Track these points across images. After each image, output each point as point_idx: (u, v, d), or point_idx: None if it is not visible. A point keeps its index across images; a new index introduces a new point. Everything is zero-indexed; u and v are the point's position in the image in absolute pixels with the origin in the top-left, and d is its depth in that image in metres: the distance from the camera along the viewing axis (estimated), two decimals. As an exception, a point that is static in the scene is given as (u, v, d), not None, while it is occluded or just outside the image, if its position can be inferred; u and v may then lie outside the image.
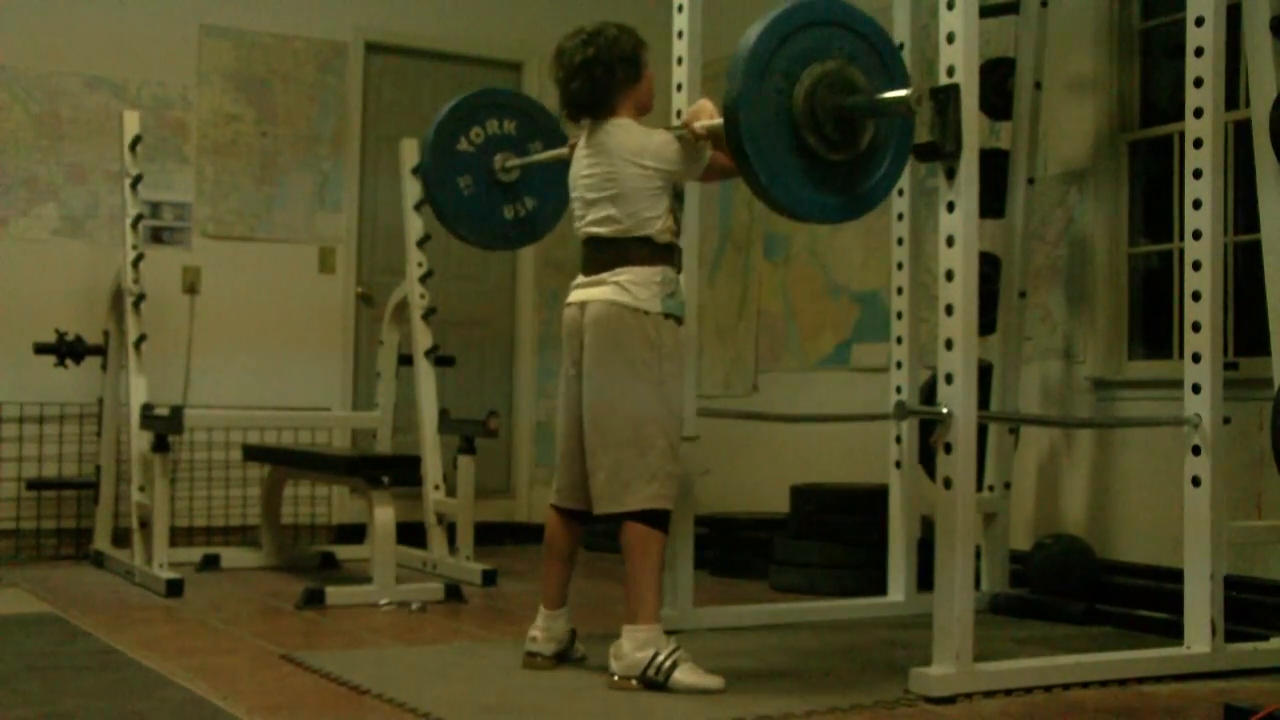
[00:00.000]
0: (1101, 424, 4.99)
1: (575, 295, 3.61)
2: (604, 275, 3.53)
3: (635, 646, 3.40)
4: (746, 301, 6.74)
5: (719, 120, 3.38)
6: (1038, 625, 4.49)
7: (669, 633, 3.49)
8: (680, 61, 4.23)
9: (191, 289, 6.34)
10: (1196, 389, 3.77)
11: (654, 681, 3.37)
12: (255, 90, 6.52)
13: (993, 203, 4.76)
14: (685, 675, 3.37)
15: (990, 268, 4.76)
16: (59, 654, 3.85)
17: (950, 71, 3.36)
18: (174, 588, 4.92)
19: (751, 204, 6.59)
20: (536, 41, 6.67)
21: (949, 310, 3.37)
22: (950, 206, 3.36)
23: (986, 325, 4.58)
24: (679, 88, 4.22)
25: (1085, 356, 5.07)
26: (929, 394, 4.50)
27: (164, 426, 5.12)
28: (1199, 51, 3.76)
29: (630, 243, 3.51)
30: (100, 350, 5.84)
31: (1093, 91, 5.10)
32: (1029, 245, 4.95)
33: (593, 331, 3.51)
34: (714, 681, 3.38)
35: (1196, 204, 3.77)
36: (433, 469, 5.64)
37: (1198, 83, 3.76)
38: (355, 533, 6.30)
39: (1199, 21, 3.77)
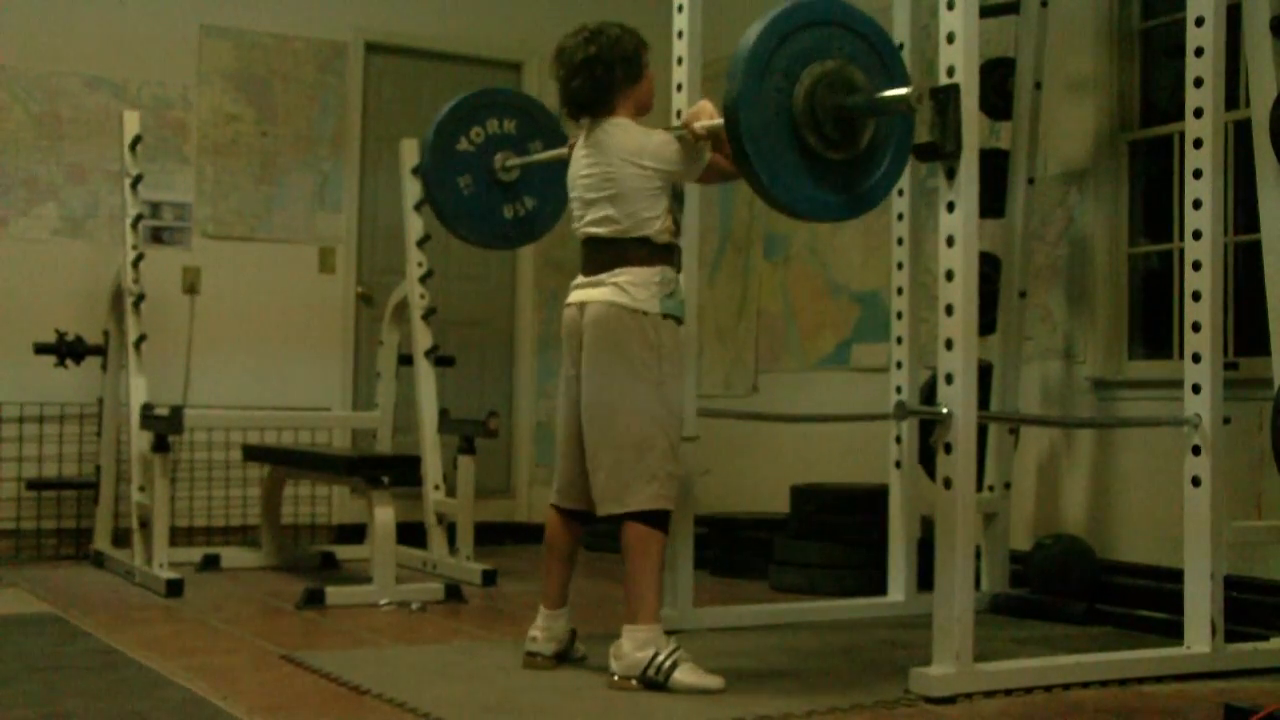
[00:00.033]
0: (1101, 424, 4.98)
1: (574, 296, 3.61)
2: (603, 276, 3.53)
3: (635, 646, 3.40)
4: (746, 301, 6.74)
5: (719, 120, 3.38)
6: (1038, 625, 4.49)
7: (669, 633, 3.49)
8: (680, 61, 4.23)
9: (191, 289, 6.34)
10: (1196, 389, 3.77)
11: (654, 681, 3.37)
12: (255, 90, 6.52)
13: (993, 203, 4.76)
14: (685, 675, 3.37)
15: (990, 268, 4.76)
16: (59, 654, 3.85)
17: (950, 71, 3.36)
18: (174, 588, 4.92)
19: (752, 204, 6.59)
20: (536, 41, 6.67)
21: (949, 310, 3.37)
22: (950, 206, 3.36)
23: (986, 325, 4.58)
24: (679, 88, 4.22)
25: (1085, 356, 5.07)
26: (929, 394, 4.50)
27: (164, 426, 5.12)
28: (1199, 51, 3.76)
29: (629, 243, 3.51)
30: (100, 350, 5.84)
31: (1093, 91, 5.10)
32: (1029, 245, 4.95)
33: (592, 332, 3.51)
34: (714, 681, 3.38)
35: (1196, 204, 3.77)
36: (433, 469, 5.64)
37: (1198, 83, 3.76)
38: (355, 533, 6.30)
39: (1199, 21, 3.77)
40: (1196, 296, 3.76)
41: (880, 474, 4.83)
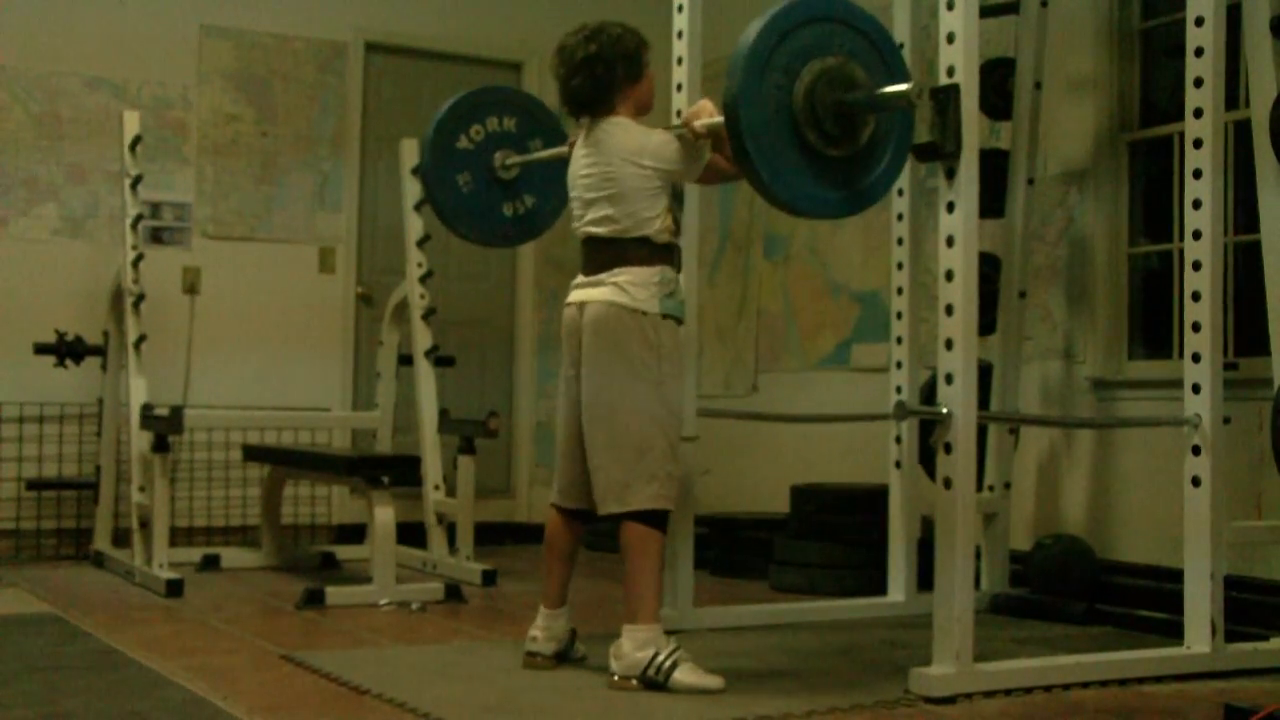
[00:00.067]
0: (1101, 424, 4.98)
1: (574, 295, 3.61)
2: (602, 276, 3.52)
3: (635, 646, 3.40)
4: (746, 301, 6.74)
5: (719, 119, 3.38)
6: (1038, 625, 4.49)
7: (669, 633, 3.49)
8: (680, 61, 4.23)
9: (191, 289, 6.34)
10: (1196, 389, 3.76)
11: (654, 681, 3.37)
12: (255, 90, 6.52)
13: (993, 203, 4.76)
14: (685, 675, 3.37)
15: (990, 268, 4.76)
16: (59, 654, 3.85)
17: (950, 71, 3.36)
18: (174, 588, 4.92)
19: (751, 204, 6.59)
20: (536, 41, 6.67)
21: (949, 310, 3.37)
22: (950, 206, 3.36)
23: (986, 325, 4.58)
24: (679, 88, 4.22)
25: (1085, 356, 5.07)
26: (929, 394, 4.50)
27: (164, 426, 5.12)
28: (1199, 51, 3.76)
29: (628, 243, 3.51)
30: (100, 350, 5.84)
31: (1093, 91, 5.10)
32: (1029, 245, 4.95)
33: (591, 332, 3.51)
34: (714, 681, 3.38)
35: (1196, 204, 3.77)
36: (433, 469, 5.64)
37: (1198, 83, 3.76)
38: (355, 533, 6.30)
39: (1199, 21, 3.77)
40: (1196, 296, 3.76)
41: (880, 474, 4.83)
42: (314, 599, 4.68)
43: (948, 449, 3.35)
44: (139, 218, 5.55)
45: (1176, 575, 3.89)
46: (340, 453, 5.79)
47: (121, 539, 5.70)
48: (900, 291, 4.66)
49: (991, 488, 4.82)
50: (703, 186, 4.07)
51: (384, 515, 4.82)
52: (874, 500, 4.96)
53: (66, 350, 5.75)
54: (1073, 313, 5.13)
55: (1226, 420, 3.77)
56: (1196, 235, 3.77)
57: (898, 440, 4.69)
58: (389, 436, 6.16)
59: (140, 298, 5.41)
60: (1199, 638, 3.72)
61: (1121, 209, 5.06)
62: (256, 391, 6.35)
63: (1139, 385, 4.90)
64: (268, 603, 4.84)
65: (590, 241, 3.59)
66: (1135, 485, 4.84)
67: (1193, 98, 3.77)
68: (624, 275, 3.49)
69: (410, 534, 5.59)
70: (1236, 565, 4.00)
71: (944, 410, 3.36)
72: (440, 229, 4.67)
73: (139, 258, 5.49)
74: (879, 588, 4.79)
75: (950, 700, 3.30)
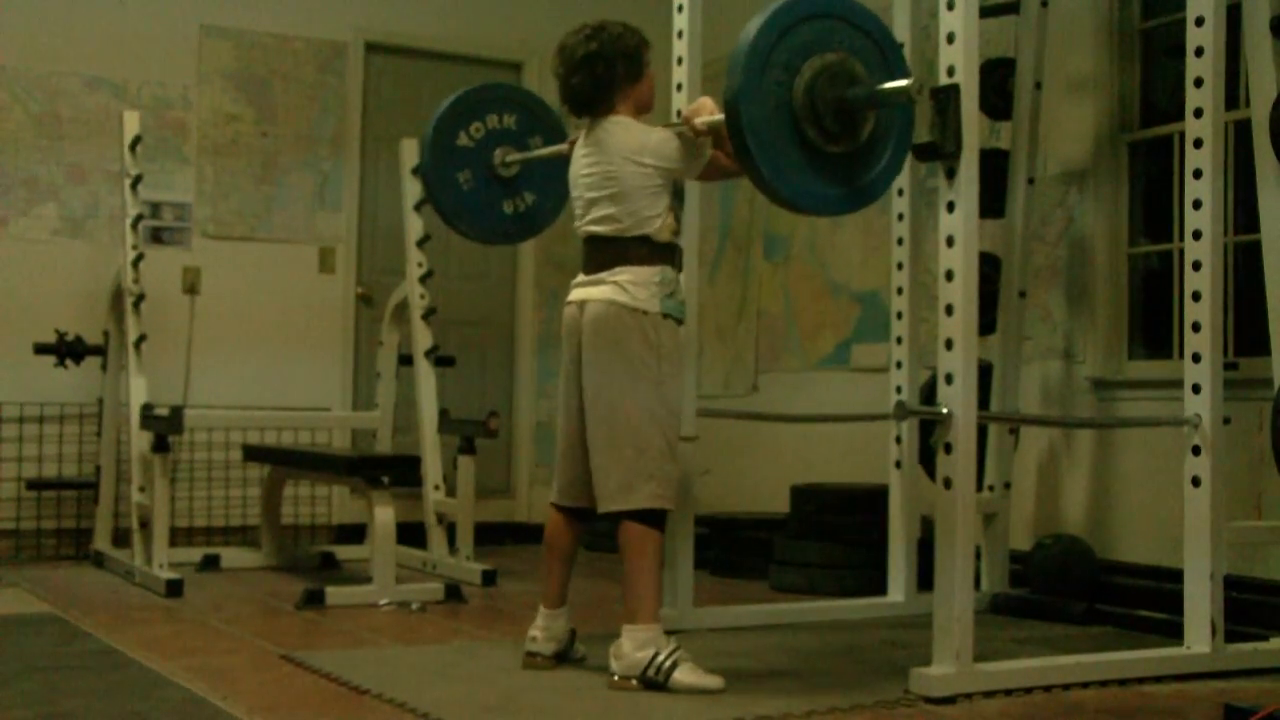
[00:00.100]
0: (1101, 424, 4.98)
1: (575, 294, 3.61)
2: (603, 275, 3.53)
3: (635, 646, 3.40)
4: (746, 301, 6.74)
5: (719, 116, 3.38)
6: (1038, 625, 4.49)
7: (669, 633, 3.49)
8: (680, 61, 4.23)
9: (191, 289, 6.34)
10: (1196, 389, 3.76)
11: (654, 681, 3.37)
12: (255, 90, 6.52)
13: (993, 203, 4.76)
14: (685, 675, 3.37)
15: (990, 268, 4.76)
16: (59, 654, 3.85)
17: (950, 71, 3.36)
18: (174, 588, 4.92)
19: (752, 203, 6.59)
20: (536, 41, 6.68)
21: (949, 310, 3.37)
22: (950, 206, 3.36)
23: (986, 325, 4.58)
24: (679, 88, 4.22)
25: (1085, 356, 5.07)
26: (929, 394, 4.50)
27: (164, 426, 5.11)
28: (1199, 51, 3.76)
29: (629, 242, 3.51)
30: (100, 350, 5.84)
31: (1093, 91, 5.10)
32: (1029, 245, 4.95)
33: (591, 331, 3.51)
34: (714, 681, 3.38)
35: (1196, 204, 3.77)
36: (433, 469, 5.64)
37: (1198, 83, 3.76)
38: (355, 533, 6.30)
39: (1199, 21, 3.77)
40: (1196, 296, 3.76)
41: (880, 474, 4.83)
42: (314, 599, 4.68)
43: (948, 449, 3.35)
44: (139, 218, 5.55)
45: (1176, 575, 3.89)
46: (340, 453, 5.79)
47: (121, 539, 5.70)
48: (900, 291, 4.66)
49: (991, 488, 4.82)
50: (703, 185, 4.07)
51: (384, 515, 4.82)
52: (874, 500, 4.95)
53: (66, 350, 5.75)
54: (1073, 313, 5.13)
55: (1226, 420, 3.77)
56: (1196, 235, 3.77)
57: (898, 440, 4.69)
58: (389, 436, 6.16)
59: (140, 298, 5.41)
60: (1199, 638, 3.72)
61: (1121, 209, 5.06)
62: (256, 391, 6.35)
63: (1139, 385, 4.90)
64: (268, 603, 4.84)
65: (591, 240, 3.59)
66: (1135, 485, 4.84)
67: (1193, 98, 3.77)
68: (625, 274, 3.49)
69: (410, 534, 5.59)
70: (1236, 565, 4.00)
71: (944, 410, 3.35)
72: (440, 228, 4.66)
73: (139, 258, 5.49)
74: (879, 588, 4.79)
75: (950, 700, 3.30)
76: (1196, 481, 3.73)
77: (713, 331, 6.78)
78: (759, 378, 6.63)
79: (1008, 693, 3.40)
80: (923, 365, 4.65)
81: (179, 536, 5.81)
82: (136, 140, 5.58)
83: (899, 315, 4.67)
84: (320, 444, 6.43)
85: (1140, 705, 3.35)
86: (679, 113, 4.08)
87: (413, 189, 5.82)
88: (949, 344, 3.36)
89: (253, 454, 5.93)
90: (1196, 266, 3.76)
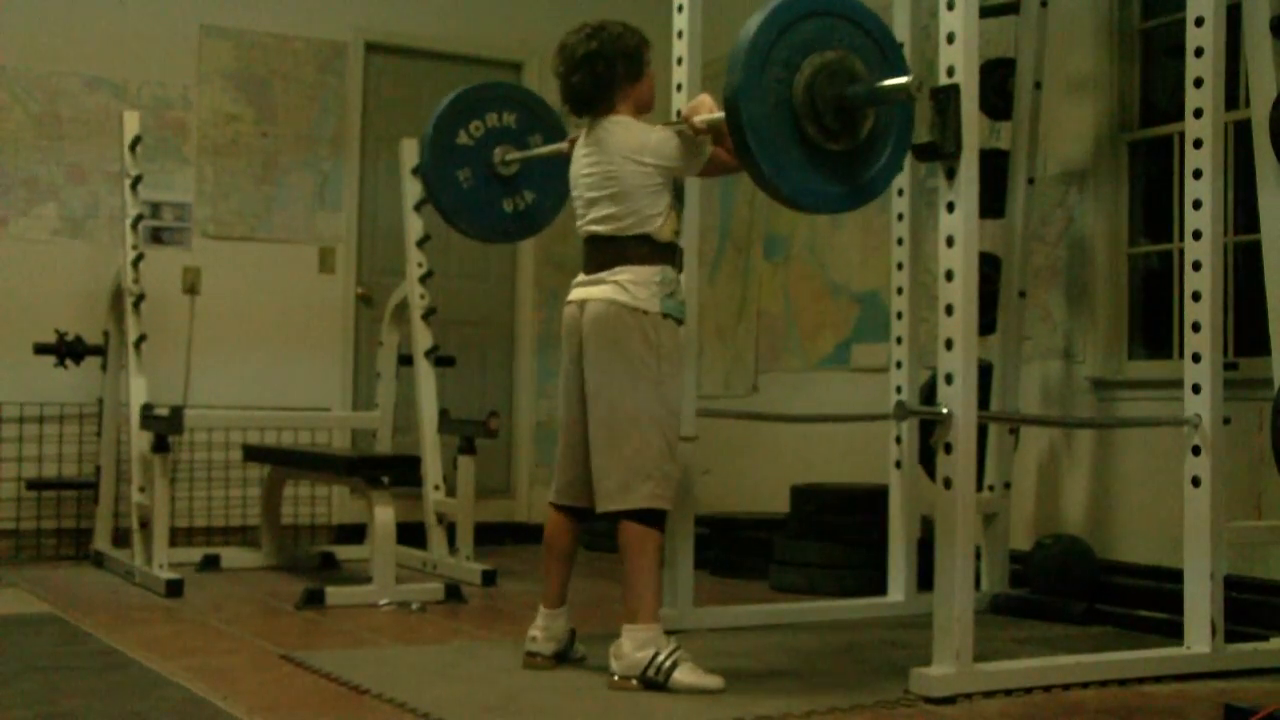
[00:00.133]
0: (1101, 424, 4.98)
1: (575, 294, 3.61)
2: (603, 274, 3.53)
3: (635, 646, 3.40)
4: (746, 301, 6.74)
5: (719, 114, 3.38)
6: (1038, 625, 4.49)
7: (669, 633, 3.49)
8: (680, 61, 4.23)
9: (191, 289, 6.34)
10: (1196, 389, 3.76)
11: (654, 681, 3.37)
12: (255, 90, 6.52)
13: (993, 203, 4.76)
14: (685, 675, 3.37)
15: (990, 268, 4.76)
16: (59, 654, 3.85)
17: (950, 71, 3.36)
18: (174, 588, 4.92)
19: (752, 203, 6.59)
20: (536, 41, 6.68)
21: (949, 310, 3.37)
22: (950, 206, 3.36)
23: (986, 325, 4.58)
24: (679, 87, 4.22)
25: (1085, 356, 5.07)
26: (929, 394, 4.50)
27: (164, 426, 5.11)
28: (1199, 51, 3.76)
29: (630, 241, 3.51)
30: (100, 350, 5.84)
31: (1093, 91, 5.10)
32: (1029, 245, 4.95)
33: (591, 330, 3.51)
34: (714, 681, 3.38)
35: (1196, 204, 3.77)
36: (433, 469, 5.64)
37: (1198, 83, 3.76)
38: (355, 533, 6.30)
39: (1199, 21, 3.77)
40: (1196, 296, 3.76)
41: (880, 474, 4.83)
42: (314, 599, 4.68)
43: (948, 449, 3.35)
44: (139, 218, 5.55)
45: (1176, 575, 3.89)
46: (340, 453, 5.79)
47: (121, 539, 5.70)
48: (900, 291, 4.66)
49: (991, 488, 4.82)
50: (703, 186, 4.07)
51: (384, 515, 4.82)
52: (874, 500, 4.95)
53: (66, 350, 5.75)
54: (1073, 313, 5.13)
55: (1226, 420, 3.77)
56: (1196, 235, 3.76)
57: (898, 440, 4.69)
58: (389, 436, 6.16)
59: (140, 298, 5.41)
60: (1199, 638, 3.72)
61: (1121, 209, 5.06)
62: (256, 391, 6.35)
63: (1139, 385, 4.90)
64: (268, 603, 4.84)
65: (592, 240, 3.59)
66: (1135, 485, 4.84)
67: (1193, 98, 3.77)
68: (625, 274, 3.50)
69: (410, 534, 5.59)
70: (1236, 565, 4.00)
71: (944, 410, 3.35)
72: (440, 228, 4.66)
73: (139, 258, 5.49)
74: (879, 588, 4.79)
75: (950, 700, 3.30)
76: (1196, 481, 3.73)
77: (713, 331, 6.78)
78: (759, 378, 6.63)
79: (1008, 693, 3.40)
80: (923, 365, 4.65)
81: (179, 536, 5.81)
82: (136, 140, 5.58)
83: (899, 315, 4.68)
84: (320, 444, 6.43)
85: (1140, 705, 3.35)
86: (679, 112, 4.09)
87: (413, 189, 5.82)
88: (949, 344, 3.36)
89: (253, 454, 5.94)
90: (1196, 266, 3.76)
